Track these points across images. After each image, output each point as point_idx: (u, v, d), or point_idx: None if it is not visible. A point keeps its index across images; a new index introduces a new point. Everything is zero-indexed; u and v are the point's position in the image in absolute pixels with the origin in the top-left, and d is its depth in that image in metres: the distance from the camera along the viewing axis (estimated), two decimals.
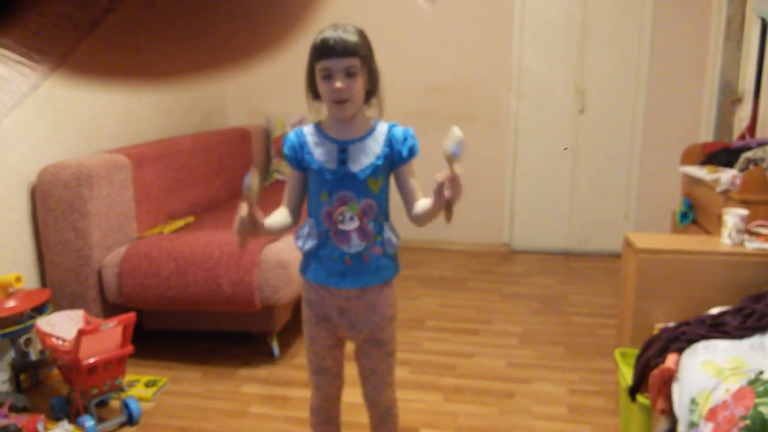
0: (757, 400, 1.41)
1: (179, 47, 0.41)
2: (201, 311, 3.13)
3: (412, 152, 1.76)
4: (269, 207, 4.08)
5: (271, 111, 5.11)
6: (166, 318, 3.25)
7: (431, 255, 5.11)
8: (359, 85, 1.66)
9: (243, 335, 3.39)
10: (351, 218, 1.72)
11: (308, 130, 1.79)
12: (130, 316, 2.63)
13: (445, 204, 1.55)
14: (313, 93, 1.73)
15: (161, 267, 3.02)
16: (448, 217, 1.55)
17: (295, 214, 1.82)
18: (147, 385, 2.94)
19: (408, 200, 1.79)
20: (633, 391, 2.04)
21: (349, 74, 1.64)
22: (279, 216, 1.78)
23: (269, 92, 5.13)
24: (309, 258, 1.81)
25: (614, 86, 4.89)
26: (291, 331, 3.40)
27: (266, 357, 3.23)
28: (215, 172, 4.25)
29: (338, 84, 1.63)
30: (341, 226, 1.72)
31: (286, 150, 1.79)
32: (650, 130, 4.88)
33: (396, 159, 1.75)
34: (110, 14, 0.36)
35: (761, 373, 1.53)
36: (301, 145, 1.76)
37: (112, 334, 2.61)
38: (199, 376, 3.07)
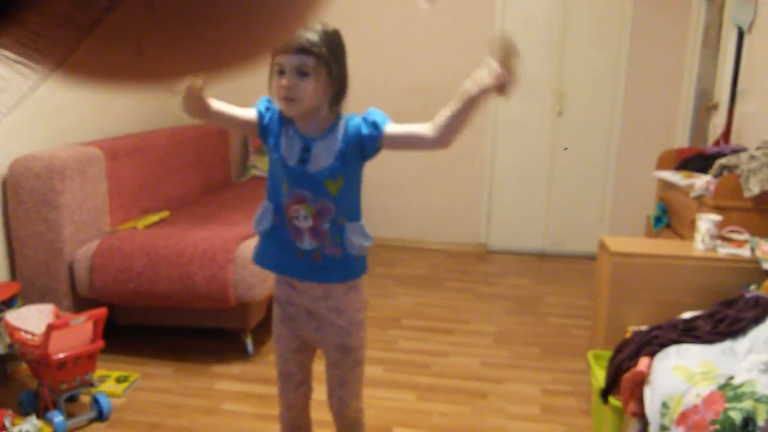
0: (727, 405, 1.43)
1: (180, 47, 0.40)
2: (174, 307, 3.09)
3: (377, 126, 1.65)
4: (247, 203, 4.03)
5: (250, 106, 5.05)
6: (139, 313, 3.21)
7: (407, 254, 5.11)
8: (310, 85, 1.60)
9: (217, 331, 3.36)
10: (305, 217, 1.68)
11: (275, 110, 1.76)
12: (101, 312, 2.60)
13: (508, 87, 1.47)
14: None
15: (134, 262, 2.98)
16: (504, 90, 1.48)
17: (236, 118, 1.78)
18: (118, 380, 2.90)
19: (415, 141, 1.68)
20: (605, 393, 2.06)
21: (301, 73, 1.58)
22: (225, 106, 1.76)
23: (247, 87, 5.08)
24: (261, 242, 1.80)
25: (592, 90, 4.93)
26: (265, 328, 3.37)
27: (240, 354, 3.20)
28: (191, 167, 4.21)
29: (285, 81, 1.59)
30: (296, 223, 1.70)
31: (261, 107, 1.76)
32: (627, 134, 4.93)
33: (365, 144, 1.67)
34: (110, 14, 0.36)
35: (731, 378, 1.55)
36: (271, 119, 1.74)
37: (82, 329, 2.57)
38: (172, 373, 3.03)
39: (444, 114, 1.61)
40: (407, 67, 5.05)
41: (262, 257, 1.82)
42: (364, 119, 1.68)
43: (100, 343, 2.62)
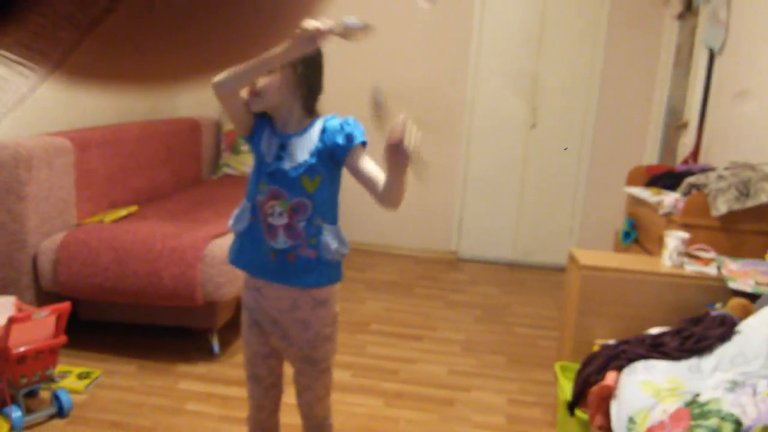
0: (693, 423, 1.45)
1: (179, 48, 0.39)
2: (140, 304, 3.04)
3: (351, 139, 1.67)
4: (218, 201, 3.98)
5: None
6: (104, 309, 3.15)
7: (378, 258, 5.11)
8: (275, 82, 1.65)
9: (183, 330, 3.31)
10: (280, 214, 1.67)
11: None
12: (65, 306, 2.54)
13: (404, 160, 1.49)
14: None
15: (100, 256, 2.92)
16: (418, 173, 1.49)
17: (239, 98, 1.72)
18: (80, 377, 2.84)
19: (369, 185, 1.68)
20: (572, 406, 2.07)
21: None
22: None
23: None
24: (237, 241, 1.79)
25: (566, 104, 4.99)
26: (232, 329, 3.33)
27: (206, 354, 3.16)
28: (162, 162, 4.14)
29: None
30: (270, 220, 1.68)
31: None
32: (598, 149, 5.00)
33: (335, 151, 1.68)
34: (110, 15, 0.35)
35: (698, 395, 1.57)
36: (260, 118, 1.74)
37: (44, 323, 2.51)
38: (135, 370, 2.98)
39: (384, 178, 1.64)
40: (383, 74, 5.05)
41: (236, 257, 1.80)
42: (342, 126, 1.69)
43: (63, 338, 2.56)
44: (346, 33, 1.50)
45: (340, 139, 1.67)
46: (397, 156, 1.51)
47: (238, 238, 1.79)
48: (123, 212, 3.45)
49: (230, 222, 1.78)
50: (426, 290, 4.44)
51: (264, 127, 1.74)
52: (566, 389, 2.23)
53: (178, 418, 2.62)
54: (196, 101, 5.08)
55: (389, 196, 1.63)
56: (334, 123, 1.70)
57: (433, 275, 4.81)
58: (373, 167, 1.69)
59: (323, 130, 1.69)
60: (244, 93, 1.71)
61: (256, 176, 1.72)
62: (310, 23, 1.46)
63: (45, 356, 2.51)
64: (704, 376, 1.72)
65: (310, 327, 1.76)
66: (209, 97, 1.79)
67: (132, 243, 2.94)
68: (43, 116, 3.38)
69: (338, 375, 3.03)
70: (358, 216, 5.26)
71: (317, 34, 1.48)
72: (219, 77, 1.61)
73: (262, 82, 1.65)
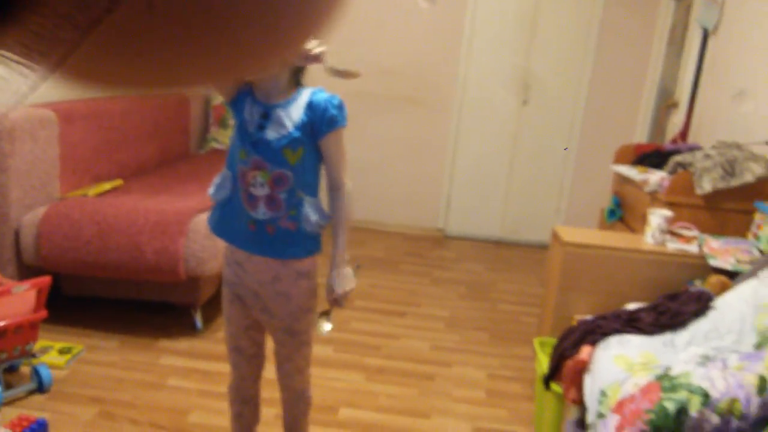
0: (663, 395, 1.46)
1: (180, 49, 0.38)
2: (122, 279, 3.03)
3: (333, 122, 1.67)
4: (204, 175, 3.96)
5: None
6: (86, 284, 3.14)
7: (365, 235, 5.10)
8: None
9: (165, 306, 3.31)
10: (262, 184, 1.66)
11: None
12: (45, 280, 2.52)
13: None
14: None
15: (82, 230, 2.90)
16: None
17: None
18: (61, 352, 2.84)
19: (327, 172, 1.75)
20: (547, 380, 2.08)
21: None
22: None
23: None
24: (217, 209, 1.78)
25: (558, 82, 4.96)
26: (215, 304, 3.33)
27: (188, 329, 3.16)
28: (148, 136, 4.11)
29: None
30: (252, 190, 1.67)
31: None
32: (588, 127, 4.99)
33: (316, 128, 1.67)
34: (110, 15, 0.34)
35: (669, 369, 1.58)
36: (243, 85, 1.72)
37: (24, 298, 2.49)
38: (117, 346, 2.98)
39: (334, 238, 1.78)
40: (377, 49, 5.01)
41: (216, 225, 1.79)
42: (327, 106, 1.67)
43: (43, 313, 2.55)
44: (333, 72, 1.54)
45: (324, 119, 1.66)
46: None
47: (218, 207, 1.78)
48: (107, 186, 3.42)
49: (210, 190, 1.77)
50: (412, 267, 4.45)
51: (247, 93, 1.72)
52: (544, 364, 2.24)
53: (158, 392, 2.62)
54: None
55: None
56: (321, 99, 1.68)
57: (420, 252, 4.81)
58: (332, 165, 1.73)
59: (309, 104, 1.68)
60: None
61: (238, 145, 1.70)
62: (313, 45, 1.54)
63: (25, 331, 2.50)
64: (678, 351, 1.73)
65: (292, 299, 1.76)
66: None
67: (115, 216, 2.92)
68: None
69: (320, 350, 3.05)
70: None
71: (313, 58, 1.51)
72: None
73: None
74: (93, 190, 3.29)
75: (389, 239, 5.07)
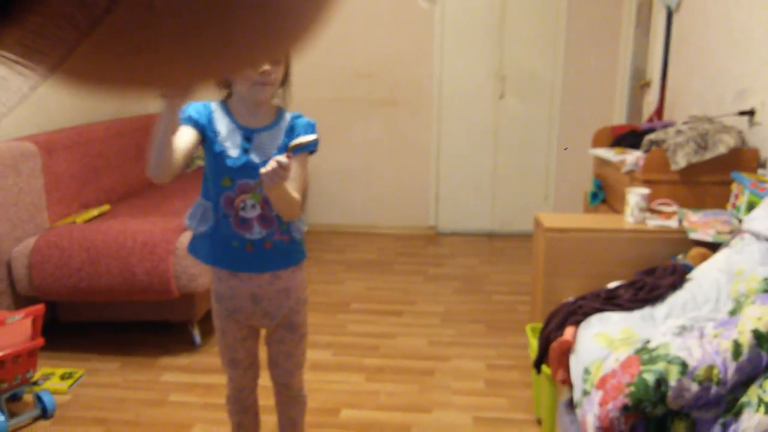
0: (642, 368, 1.50)
1: (181, 49, 0.41)
2: (117, 301, 3.07)
3: (310, 146, 1.71)
4: (190, 193, 3.97)
5: (193, 97, 4.99)
6: (82, 309, 3.18)
7: (358, 239, 5.14)
8: (281, 71, 1.69)
9: (163, 324, 3.34)
10: (253, 206, 1.71)
11: (215, 107, 1.74)
12: (39, 308, 2.56)
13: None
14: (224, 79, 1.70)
15: (72, 257, 2.94)
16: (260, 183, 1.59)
17: (179, 163, 1.62)
18: (62, 377, 2.87)
19: None
20: (537, 364, 2.13)
21: (275, 60, 1.64)
22: (176, 143, 1.59)
23: None
24: (202, 240, 1.80)
25: (533, 72, 5.01)
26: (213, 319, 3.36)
27: (187, 345, 3.20)
28: (132, 160, 4.15)
29: (267, 66, 1.62)
30: (242, 214, 1.72)
31: (192, 112, 1.70)
32: (567, 114, 5.04)
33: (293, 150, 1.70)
34: (110, 15, 0.36)
35: (648, 342, 1.62)
36: (208, 119, 1.72)
37: (20, 327, 2.53)
38: (118, 367, 3.01)
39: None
40: (350, 55, 5.06)
41: (212, 258, 1.81)
42: (307, 131, 1.75)
43: (40, 341, 2.59)
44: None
45: (310, 143, 1.71)
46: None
47: (205, 239, 1.79)
48: (95, 212, 3.46)
49: (188, 223, 1.79)
50: (405, 266, 4.49)
51: (212, 124, 1.72)
52: (536, 349, 2.28)
53: (161, 409, 2.66)
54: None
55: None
56: (303, 123, 1.77)
57: (413, 251, 4.86)
58: (296, 177, 1.70)
59: (292, 128, 1.75)
60: (242, 85, 1.68)
61: (217, 174, 1.71)
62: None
63: (23, 359, 2.53)
64: (657, 324, 1.77)
65: (292, 293, 1.84)
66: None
67: (103, 241, 2.96)
68: (8, 120, 3.37)
69: (319, 354, 3.09)
70: (335, 199, 5.30)
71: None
72: (151, 170, 1.58)
73: (275, 71, 1.65)
74: (81, 217, 3.33)
75: (382, 241, 5.11)
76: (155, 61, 0.42)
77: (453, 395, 2.76)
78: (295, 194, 1.68)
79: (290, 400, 2.01)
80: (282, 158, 1.52)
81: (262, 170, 1.53)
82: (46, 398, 2.60)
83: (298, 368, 1.97)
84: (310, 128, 1.77)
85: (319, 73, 5.00)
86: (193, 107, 1.73)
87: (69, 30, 0.37)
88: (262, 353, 1.98)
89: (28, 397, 2.70)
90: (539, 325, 2.53)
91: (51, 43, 0.37)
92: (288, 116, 1.78)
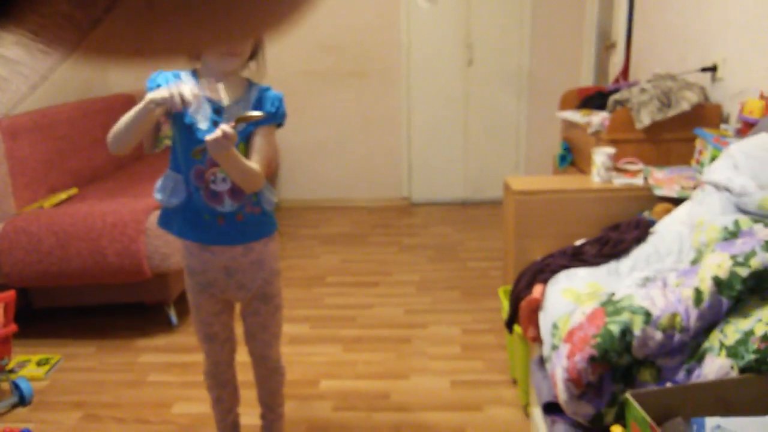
0: (608, 319, 1.53)
1: (181, 46, 0.41)
2: (90, 285, 3.04)
3: (277, 117, 1.76)
4: (159, 174, 3.97)
5: (163, 66, 4.91)
6: (56, 295, 3.15)
7: (332, 213, 5.14)
8: (249, 43, 1.68)
9: (138, 306, 3.33)
10: (223, 179, 1.71)
11: (185, 77, 1.72)
12: (9, 295, 2.54)
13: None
14: None
15: (41, 242, 2.90)
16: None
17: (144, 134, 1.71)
18: (39, 364, 2.86)
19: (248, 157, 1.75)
20: (509, 324, 2.16)
21: None
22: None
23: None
24: (173, 213, 1.79)
25: (500, 38, 5.01)
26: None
27: (164, 326, 3.19)
28: (99, 141, 4.08)
29: None
30: (213, 187, 1.71)
31: (162, 81, 1.68)
32: (535, 79, 5.05)
33: (260, 122, 1.71)
34: (110, 14, 0.36)
35: (612, 294, 1.66)
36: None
37: None
38: (94, 351, 3.00)
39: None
40: (316, 27, 5.00)
41: (182, 231, 1.81)
42: (273, 104, 1.75)
43: (13, 327, 2.57)
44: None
45: (277, 113, 1.76)
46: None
47: (176, 212, 1.79)
48: (63, 196, 3.41)
49: (158, 196, 1.78)
50: (380, 238, 4.50)
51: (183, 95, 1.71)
52: (507, 311, 2.31)
53: (140, 390, 2.66)
54: (130, 76, 4.98)
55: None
56: (271, 96, 1.76)
57: (387, 223, 4.87)
58: (256, 152, 1.72)
59: (259, 100, 1.75)
60: (212, 56, 1.68)
61: (187, 146, 1.70)
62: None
63: None
64: (622, 278, 1.81)
65: (265, 264, 1.85)
66: (142, 71, 1.76)
67: (72, 224, 2.92)
68: None
69: (296, 328, 3.10)
70: (307, 173, 5.28)
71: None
72: (113, 145, 1.66)
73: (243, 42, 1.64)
74: (48, 202, 3.28)
75: (356, 214, 5.11)
76: (156, 59, 0.42)
77: (430, 361, 2.80)
78: (253, 165, 1.67)
79: (268, 372, 2.03)
80: (227, 127, 1.53)
81: (207, 137, 1.54)
82: (23, 385, 2.59)
83: (275, 339, 1.99)
84: (278, 101, 1.76)
85: (287, 46, 4.95)
86: (163, 76, 1.71)
87: (70, 30, 0.37)
88: (238, 329, 1.99)
89: (4, 386, 2.68)
90: (510, 287, 2.57)
91: (51, 42, 0.37)
92: (256, 89, 1.77)
